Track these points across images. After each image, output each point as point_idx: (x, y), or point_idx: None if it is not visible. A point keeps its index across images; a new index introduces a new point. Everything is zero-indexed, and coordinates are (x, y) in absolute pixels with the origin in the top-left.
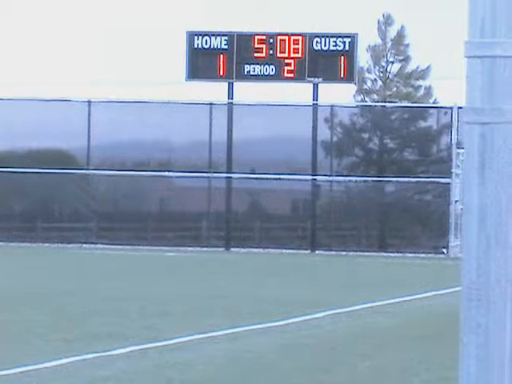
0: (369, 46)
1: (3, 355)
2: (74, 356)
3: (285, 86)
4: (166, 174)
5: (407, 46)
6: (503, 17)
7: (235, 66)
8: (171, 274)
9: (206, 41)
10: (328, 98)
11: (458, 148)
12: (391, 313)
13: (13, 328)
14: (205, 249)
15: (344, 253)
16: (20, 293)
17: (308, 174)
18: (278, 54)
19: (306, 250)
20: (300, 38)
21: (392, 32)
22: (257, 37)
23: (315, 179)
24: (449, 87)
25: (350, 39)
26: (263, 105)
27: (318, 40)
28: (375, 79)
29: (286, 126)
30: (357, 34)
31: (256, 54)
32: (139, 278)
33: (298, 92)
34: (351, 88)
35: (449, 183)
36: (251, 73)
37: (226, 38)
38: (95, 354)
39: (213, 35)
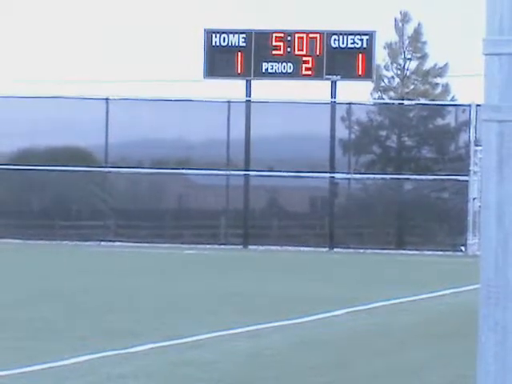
0: (386, 43)
1: (21, 353)
2: (91, 354)
3: (303, 84)
4: (184, 171)
5: (424, 43)
6: None
7: (253, 63)
8: (189, 272)
9: (224, 38)
10: (346, 95)
11: (476, 146)
12: (409, 310)
13: (30, 326)
14: (223, 246)
15: (362, 250)
16: (38, 290)
17: (326, 172)
18: (296, 52)
19: (323, 247)
20: (318, 35)
21: (409, 29)
22: (274, 34)
23: (333, 177)
24: (467, 85)
25: (367, 37)
26: (281, 102)
27: (336, 38)
28: (393, 77)
29: (304, 123)
30: (374, 31)
31: (274, 52)
32: (157, 275)
33: (316, 90)
34: (369, 85)
35: (467, 181)
36: (269, 70)
37: (244, 35)
38: (112, 352)
39: (230, 33)
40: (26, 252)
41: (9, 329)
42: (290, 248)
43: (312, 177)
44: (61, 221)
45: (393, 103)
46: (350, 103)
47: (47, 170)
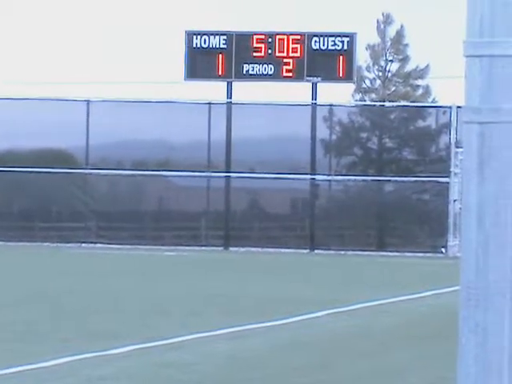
0: (368, 45)
1: (2, 355)
2: (72, 355)
3: (284, 86)
4: (165, 173)
5: (406, 45)
6: (501, 16)
7: (234, 65)
8: (170, 274)
9: (205, 40)
10: (327, 97)
11: (457, 147)
12: (390, 312)
13: (13, 328)
14: (203, 248)
15: (343, 252)
16: (20, 292)
17: (307, 174)
18: (277, 54)
19: (304, 249)
20: (299, 37)
21: (391, 31)
22: (255, 36)
23: (314, 178)
24: (448, 87)
25: (348, 38)
26: (262, 104)
27: (317, 39)
28: (374, 78)
29: (285, 125)
30: (355, 33)
31: (255, 54)
32: (138, 277)
33: (297, 91)
34: (350, 87)
35: (447, 182)
36: (250, 72)
37: (225, 37)
38: (93, 354)
39: (211, 34)
40: (6, 254)
41: None
42: (270, 250)
43: (293, 178)
44: (41, 222)
45: (374, 105)
46: (331, 105)
47: (28, 171)
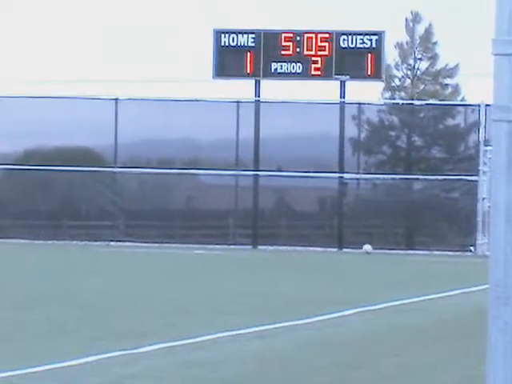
0: (397, 43)
1: (30, 353)
2: (99, 354)
3: (312, 84)
4: (193, 171)
5: (435, 43)
6: None
7: (262, 63)
8: (198, 272)
9: (233, 38)
10: (355, 95)
11: (486, 145)
12: (418, 310)
13: (39, 326)
14: (232, 247)
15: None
16: (46, 291)
17: (335, 172)
18: (305, 52)
19: (333, 247)
20: (327, 35)
21: (420, 29)
22: (284, 34)
23: (342, 177)
24: (477, 85)
25: (376, 37)
26: (290, 102)
27: (345, 38)
28: (403, 77)
29: (314, 123)
30: (384, 31)
31: (283, 52)
32: (166, 275)
33: (326, 90)
34: (379, 85)
35: (476, 181)
36: (278, 70)
37: (253, 35)
38: (121, 352)
39: (240, 33)
40: (34, 252)
41: (18, 330)
42: (298, 248)
43: (321, 177)
44: (69, 221)
45: (403, 103)
46: (359, 103)
47: (56, 170)
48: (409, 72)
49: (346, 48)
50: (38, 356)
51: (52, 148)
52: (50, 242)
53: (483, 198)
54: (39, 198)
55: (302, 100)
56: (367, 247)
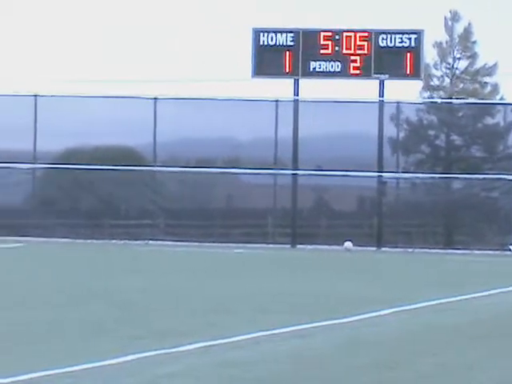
0: (436, 42)
1: (70, 352)
2: (139, 353)
3: (351, 83)
4: (232, 170)
5: (474, 42)
6: None
7: (301, 62)
8: (237, 271)
9: (272, 38)
10: (394, 94)
11: None
12: (457, 310)
13: (79, 325)
14: (271, 246)
15: (410, 250)
16: (87, 290)
17: (374, 171)
18: (344, 51)
19: (372, 246)
20: (366, 34)
21: (459, 28)
22: (323, 33)
23: (381, 176)
24: None
25: (415, 36)
26: (329, 101)
27: (384, 37)
28: (442, 76)
29: (352, 122)
30: (423, 30)
31: (322, 51)
32: (205, 274)
33: (364, 89)
34: (417, 84)
35: None
36: (317, 69)
37: (292, 34)
38: (161, 351)
39: (279, 32)
40: (74, 251)
41: (58, 328)
42: (337, 247)
43: (360, 176)
44: (109, 220)
45: (441, 102)
46: (398, 102)
47: (96, 169)
48: (448, 71)
49: (384, 47)
50: (76, 355)
51: (93, 147)
52: (89, 241)
53: None
54: (80, 196)
55: (341, 99)
56: (348, 244)
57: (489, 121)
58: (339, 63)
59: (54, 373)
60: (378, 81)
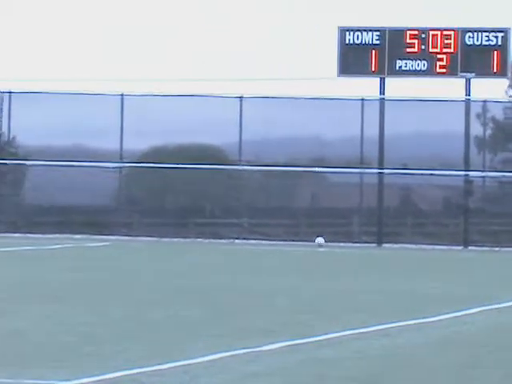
0: None
1: (156, 350)
2: (225, 351)
3: (437, 81)
4: (318, 169)
5: None
6: None
7: (387, 61)
8: (322, 270)
9: (358, 36)
10: (481, 93)
11: None
12: None
13: (166, 323)
14: (356, 244)
15: (497, 249)
16: (172, 288)
17: (460, 170)
18: (430, 49)
19: (458, 246)
20: (452, 32)
21: None
22: (409, 32)
23: (468, 175)
24: None
25: (502, 34)
26: (415, 100)
27: (471, 35)
28: None
29: (438, 121)
30: (510, 28)
31: (408, 50)
32: (290, 273)
33: (450, 87)
34: (504, 83)
35: None
36: (403, 68)
37: (378, 33)
38: (246, 350)
39: (364, 31)
40: (160, 250)
41: (146, 327)
42: (424, 246)
43: (446, 175)
44: (195, 219)
45: None
46: (484, 101)
47: (182, 167)
48: None
49: (471, 45)
50: (165, 353)
51: (178, 146)
52: (175, 239)
53: None
54: (166, 195)
55: (427, 98)
56: (319, 240)
57: None
58: (425, 62)
59: (141, 371)
60: (464, 79)
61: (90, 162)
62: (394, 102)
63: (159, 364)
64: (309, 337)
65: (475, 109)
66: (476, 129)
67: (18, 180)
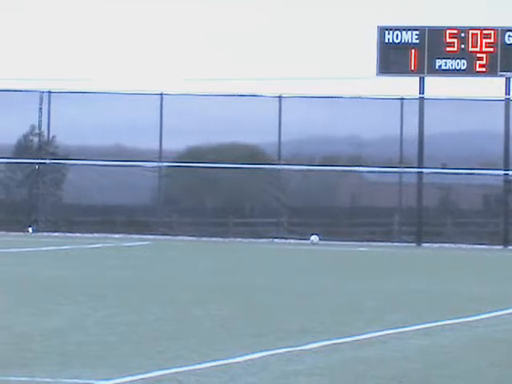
0: None
1: (196, 350)
2: (264, 351)
3: (476, 81)
4: (357, 168)
5: None
6: None
7: (426, 60)
8: (362, 270)
9: (397, 35)
10: None
11: None
12: None
13: (205, 323)
14: (396, 244)
15: None
16: (212, 288)
17: (500, 169)
18: (470, 49)
19: (498, 245)
20: (492, 32)
21: None
22: (448, 31)
23: (508, 174)
24: None
25: None
26: (454, 99)
27: (511, 34)
28: None
29: (478, 120)
30: None
31: (448, 49)
32: (330, 272)
33: (490, 86)
34: None
35: None
36: (442, 67)
37: (417, 32)
38: (286, 349)
39: (404, 30)
40: (199, 249)
41: (185, 326)
42: (463, 246)
43: (486, 174)
44: (234, 218)
45: None
46: None
47: (220, 167)
48: None
49: (511, 44)
50: (203, 352)
51: (217, 145)
52: (214, 239)
53: None
54: (205, 194)
55: (467, 97)
56: (314, 238)
57: None
58: (465, 61)
59: (179, 371)
60: (503, 78)
61: (130, 161)
62: (433, 102)
63: (198, 363)
64: (348, 336)
65: None
66: None
67: (57, 180)
